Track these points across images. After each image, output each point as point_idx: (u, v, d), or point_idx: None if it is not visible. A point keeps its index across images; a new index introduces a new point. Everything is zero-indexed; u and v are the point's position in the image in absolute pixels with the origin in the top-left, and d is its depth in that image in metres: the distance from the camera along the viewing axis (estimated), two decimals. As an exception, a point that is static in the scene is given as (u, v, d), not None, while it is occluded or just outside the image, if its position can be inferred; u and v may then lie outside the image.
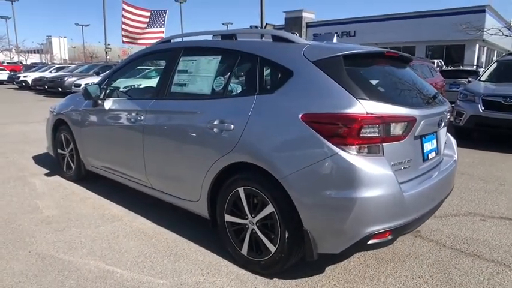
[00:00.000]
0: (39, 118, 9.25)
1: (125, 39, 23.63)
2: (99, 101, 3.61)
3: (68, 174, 4.33)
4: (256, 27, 17.37)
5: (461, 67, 15.46)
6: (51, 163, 4.91)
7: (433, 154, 2.52)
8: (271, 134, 2.22)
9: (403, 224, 2.10)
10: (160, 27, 24.20)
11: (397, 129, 2.09)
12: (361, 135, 1.97)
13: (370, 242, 2.03)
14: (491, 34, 14.18)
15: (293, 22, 37.00)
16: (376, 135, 2.01)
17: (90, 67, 19.49)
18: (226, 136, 2.42)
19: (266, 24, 17.61)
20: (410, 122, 2.15)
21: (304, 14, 36.87)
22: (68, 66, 22.91)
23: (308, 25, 37.74)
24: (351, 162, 1.96)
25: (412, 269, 2.49)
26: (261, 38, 3.65)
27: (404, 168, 2.17)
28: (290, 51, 2.37)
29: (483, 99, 6.40)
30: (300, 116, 2.10)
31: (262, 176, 2.26)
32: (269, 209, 2.26)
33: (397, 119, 2.07)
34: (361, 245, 2.04)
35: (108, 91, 3.64)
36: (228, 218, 2.53)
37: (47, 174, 4.53)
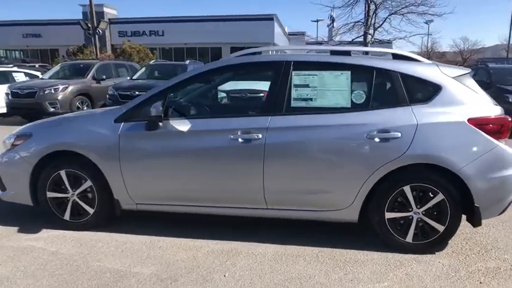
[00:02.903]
0: None
1: None
2: (160, 123, 3.01)
3: (79, 221, 3.27)
4: (87, 24, 15.34)
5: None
6: (8, 214, 3.51)
7: None
8: (442, 136, 2.72)
9: None
10: None
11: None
12: (508, 130, 2.79)
13: (512, 203, 2.89)
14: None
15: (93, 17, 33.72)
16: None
17: None
18: (392, 143, 2.74)
19: (99, 20, 15.83)
20: None
21: (105, 10, 34.16)
22: None
23: (111, 22, 35.25)
24: (506, 150, 2.75)
25: None
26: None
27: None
28: (429, 69, 2.90)
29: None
30: (466, 120, 2.72)
31: (434, 172, 2.75)
32: (438, 198, 2.77)
33: None
34: (509, 206, 2.87)
35: (172, 109, 3.08)
36: (389, 215, 2.87)
37: (31, 232, 3.25)
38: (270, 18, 35.16)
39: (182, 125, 3.01)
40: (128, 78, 11.07)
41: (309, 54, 3.22)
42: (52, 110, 9.42)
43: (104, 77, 10.72)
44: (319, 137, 2.86)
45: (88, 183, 3.21)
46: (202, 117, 3.13)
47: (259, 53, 3.23)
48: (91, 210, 3.26)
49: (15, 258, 2.81)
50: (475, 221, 2.81)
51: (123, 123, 3.12)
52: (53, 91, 9.45)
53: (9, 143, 3.34)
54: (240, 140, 2.91)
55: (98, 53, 17.16)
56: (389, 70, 2.90)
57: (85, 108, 10.22)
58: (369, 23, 13.67)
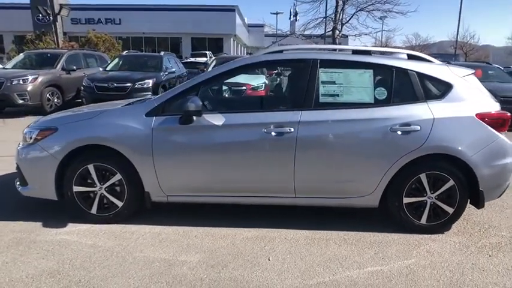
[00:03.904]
0: None
1: None
2: (198, 117, 3.10)
3: (106, 214, 3.28)
4: (46, 10, 14.43)
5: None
6: (25, 209, 3.43)
7: None
8: (454, 129, 3.08)
9: None
10: None
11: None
12: (508, 124, 3.21)
13: (507, 187, 3.34)
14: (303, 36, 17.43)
15: (42, 3, 31.53)
16: (506, 123, 3.30)
17: None
18: (413, 136, 3.06)
19: (61, 6, 14.95)
20: None
21: (56, -6, 32.03)
22: None
23: (63, 7, 33.22)
24: (506, 141, 3.17)
25: None
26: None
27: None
28: (441, 69, 3.24)
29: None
30: (475, 115, 3.10)
31: (446, 160, 3.11)
32: (450, 183, 3.14)
33: None
34: (505, 190, 3.31)
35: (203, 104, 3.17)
36: (406, 200, 3.20)
37: (58, 226, 3.21)
38: (231, 9, 35.04)
39: (216, 119, 3.12)
40: (101, 69, 10.68)
41: (334, 53, 3.45)
42: (21, 102, 8.92)
43: (75, 67, 10.27)
44: (347, 130, 3.10)
45: (117, 176, 3.22)
46: (235, 111, 3.24)
47: (281, 51, 3.40)
48: (119, 204, 3.27)
49: (55, 252, 2.80)
50: (480, 203, 3.21)
51: (155, 117, 3.16)
52: (21, 82, 8.91)
53: (31, 137, 3.25)
54: (273, 133, 3.08)
55: (60, 42, 16.18)
56: (408, 69, 3.21)
57: (56, 100, 9.75)
58: (337, 18, 14.31)
